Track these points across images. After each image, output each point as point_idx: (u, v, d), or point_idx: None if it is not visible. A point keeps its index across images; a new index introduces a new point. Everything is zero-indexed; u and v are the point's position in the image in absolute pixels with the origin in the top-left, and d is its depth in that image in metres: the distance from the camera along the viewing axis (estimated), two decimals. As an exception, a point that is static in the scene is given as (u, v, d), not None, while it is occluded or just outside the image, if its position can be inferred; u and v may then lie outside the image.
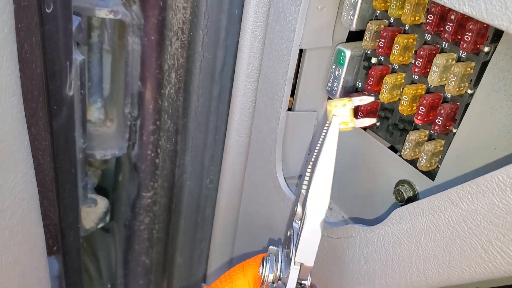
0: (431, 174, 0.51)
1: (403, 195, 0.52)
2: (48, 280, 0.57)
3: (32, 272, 0.52)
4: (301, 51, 0.57)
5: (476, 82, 0.45)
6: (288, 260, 0.50)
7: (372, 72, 0.52)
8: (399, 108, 0.51)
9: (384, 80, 0.51)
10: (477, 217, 0.39)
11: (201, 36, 0.63)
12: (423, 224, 0.44)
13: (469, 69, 0.45)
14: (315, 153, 0.48)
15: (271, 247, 0.55)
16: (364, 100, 0.49)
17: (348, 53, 0.55)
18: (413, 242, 0.45)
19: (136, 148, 0.83)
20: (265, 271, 0.52)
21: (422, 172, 0.51)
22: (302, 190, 0.49)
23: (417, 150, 0.51)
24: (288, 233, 0.52)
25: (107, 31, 0.87)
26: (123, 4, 0.75)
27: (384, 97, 0.52)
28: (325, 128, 0.46)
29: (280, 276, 0.52)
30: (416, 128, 0.52)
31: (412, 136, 0.50)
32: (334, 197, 0.64)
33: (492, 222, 0.38)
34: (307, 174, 0.49)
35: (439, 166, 0.50)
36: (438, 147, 0.49)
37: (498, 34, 0.43)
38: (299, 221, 0.49)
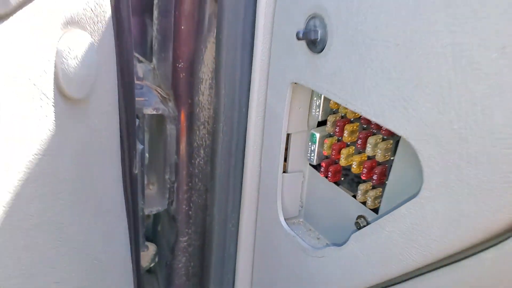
0: (376, 210, 0.79)
1: (360, 225, 0.80)
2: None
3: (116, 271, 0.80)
4: (288, 135, 0.86)
5: (393, 151, 0.74)
6: None
7: (334, 147, 0.81)
8: (352, 169, 0.79)
9: (341, 152, 0.80)
10: (394, 235, 0.67)
11: (221, 127, 0.93)
12: (371, 242, 0.72)
13: (389, 144, 0.74)
14: None
15: None
16: None
17: (317, 135, 0.84)
18: (365, 253, 0.73)
19: (174, 204, 1.11)
20: None
21: (370, 209, 0.79)
22: None
23: (366, 195, 0.79)
24: None
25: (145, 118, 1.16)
26: (161, 102, 1.05)
27: (342, 162, 0.81)
28: None
29: None
30: (364, 181, 0.80)
31: (362, 186, 0.79)
32: (318, 227, 0.92)
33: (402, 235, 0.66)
34: None
35: (379, 205, 0.78)
36: (378, 192, 0.77)
37: (401, 124, 0.72)
38: None
